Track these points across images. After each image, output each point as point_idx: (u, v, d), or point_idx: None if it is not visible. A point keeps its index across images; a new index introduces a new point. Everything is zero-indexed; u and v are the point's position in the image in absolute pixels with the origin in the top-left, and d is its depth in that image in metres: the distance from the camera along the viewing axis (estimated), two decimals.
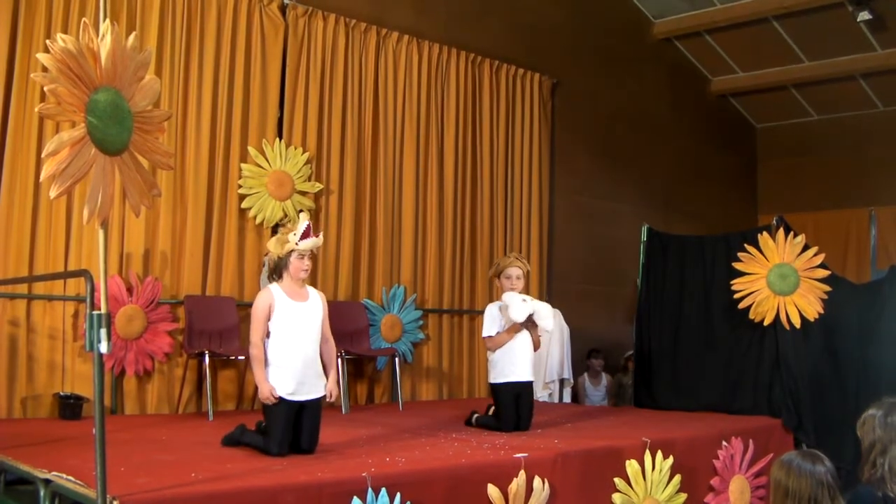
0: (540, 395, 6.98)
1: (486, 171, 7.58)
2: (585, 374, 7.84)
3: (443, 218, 7.23)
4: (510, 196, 7.75)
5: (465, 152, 7.44)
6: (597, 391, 7.82)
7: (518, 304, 4.70)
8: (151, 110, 3.05)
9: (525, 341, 4.85)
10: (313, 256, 3.87)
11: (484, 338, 4.89)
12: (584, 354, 7.85)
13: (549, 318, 4.80)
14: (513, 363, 4.81)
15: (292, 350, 3.70)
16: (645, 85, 9.48)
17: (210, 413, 5.28)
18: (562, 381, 7.34)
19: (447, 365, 7.16)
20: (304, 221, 3.81)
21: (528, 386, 4.87)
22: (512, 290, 4.86)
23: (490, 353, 4.90)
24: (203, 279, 5.87)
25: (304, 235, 3.78)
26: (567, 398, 7.43)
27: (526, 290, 5.08)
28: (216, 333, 5.68)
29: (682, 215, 9.35)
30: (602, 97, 8.90)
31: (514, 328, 4.72)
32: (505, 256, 5.10)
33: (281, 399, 3.67)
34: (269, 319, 3.71)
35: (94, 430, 2.81)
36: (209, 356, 5.36)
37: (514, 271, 4.86)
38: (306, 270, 3.79)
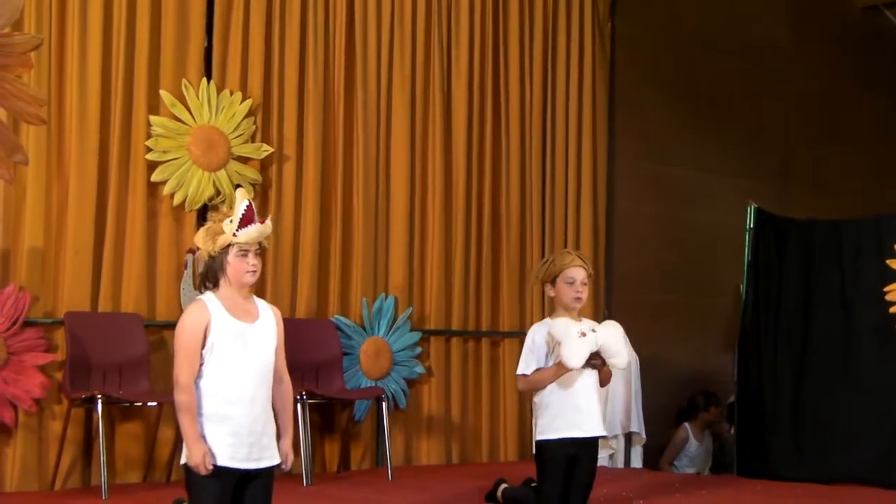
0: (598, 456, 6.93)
1: (515, 129, 7.51)
2: (689, 427, 7.96)
3: (450, 197, 7.20)
4: (550, 164, 7.72)
5: (483, 101, 7.39)
6: (700, 450, 7.94)
7: (573, 339, 4.65)
8: (10, 34, 3.03)
9: (588, 379, 4.84)
10: (262, 252, 3.79)
11: (517, 376, 4.91)
12: (674, 397, 7.86)
13: (621, 353, 4.81)
14: (573, 410, 4.79)
15: (236, 393, 3.66)
16: None
17: (104, 489, 5.20)
18: (629, 437, 7.31)
19: (458, 413, 7.12)
20: (242, 201, 3.73)
21: (592, 445, 4.89)
22: (577, 298, 4.83)
23: (535, 396, 4.88)
24: (94, 288, 5.83)
25: (245, 221, 3.68)
26: (637, 461, 7.39)
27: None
28: (114, 369, 5.65)
29: (807, 190, 9.30)
30: (687, 15, 8.85)
31: (563, 368, 4.72)
32: (563, 252, 5.07)
33: (216, 468, 3.59)
34: (202, 347, 3.65)
35: None
36: (103, 403, 5.32)
37: (579, 273, 4.81)
38: (252, 272, 3.73)
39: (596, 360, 4.72)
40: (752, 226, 6.86)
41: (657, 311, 8.25)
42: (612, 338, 4.76)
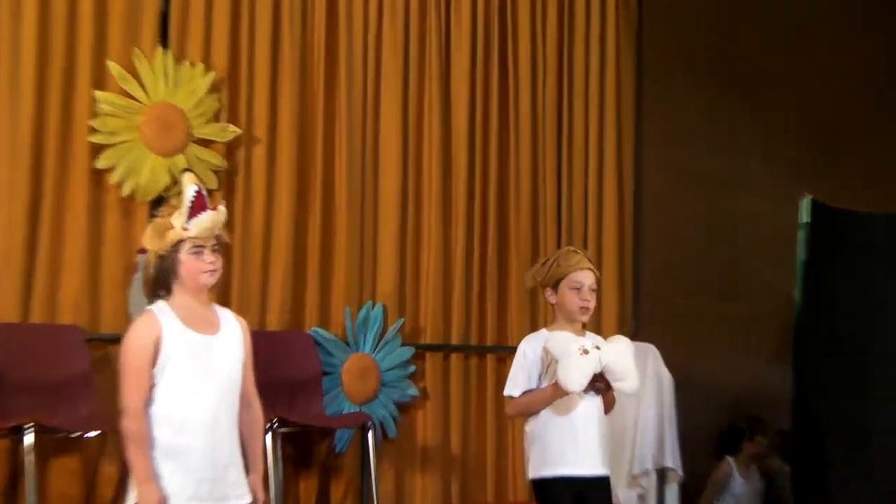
0: (623, 496, 6.80)
1: (526, 113, 7.43)
2: (732, 460, 7.85)
3: (449, 189, 7.13)
4: (566, 153, 7.62)
5: (488, 80, 7.33)
6: (746, 487, 7.84)
7: (573, 357, 4.56)
8: None
9: (589, 406, 4.72)
10: (223, 247, 3.82)
11: (505, 397, 4.85)
12: (714, 423, 7.83)
13: (630, 374, 4.70)
14: (571, 444, 4.71)
15: (194, 418, 3.69)
16: None
17: None
18: (662, 473, 7.22)
19: (459, 443, 7.04)
20: (189, 186, 3.77)
21: (598, 484, 4.75)
22: (584, 308, 4.70)
23: (526, 424, 4.82)
24: (24, 295, 5.82)
25: (196, 209, 3.72)
26: (673, 501, 7.27)
27: (596, 312, 5.04)
28: (48, 391, 5.61)
29: (859, 181, 9.23)
30: None
31: (560, 390, 4.63)
32: (568, 251, 4.93)
33: None
34: (153, 366, 3.66)
35: None
36: (34, 432, 5.24)
37: (587, 278, 4.72)
38: (210, 272, 3.75)
39: (599, 383, 4.63)
40: (807, 220, 6.73)
41: (690, 319, 8.15)
42: (619, 357, 4.67)
